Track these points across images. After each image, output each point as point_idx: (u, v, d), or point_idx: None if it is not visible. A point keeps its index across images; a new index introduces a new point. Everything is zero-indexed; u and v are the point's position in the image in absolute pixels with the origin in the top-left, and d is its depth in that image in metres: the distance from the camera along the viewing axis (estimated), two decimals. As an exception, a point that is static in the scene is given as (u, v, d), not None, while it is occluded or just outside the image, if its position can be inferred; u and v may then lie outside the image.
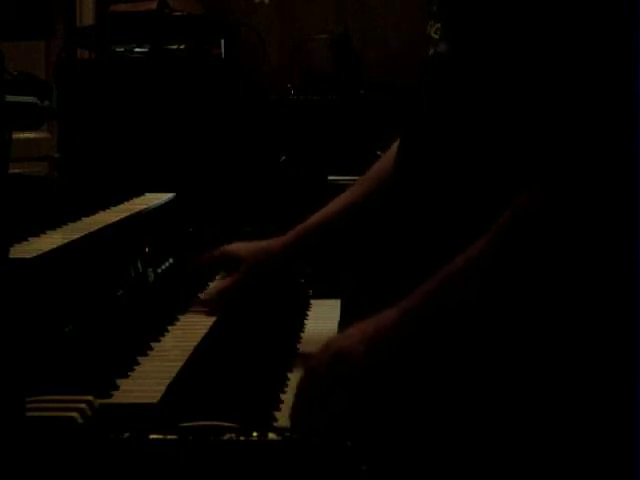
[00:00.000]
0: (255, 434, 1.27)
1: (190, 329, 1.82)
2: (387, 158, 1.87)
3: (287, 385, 1.63)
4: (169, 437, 1.26)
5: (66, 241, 1.74)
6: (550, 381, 1.44)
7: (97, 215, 2.06)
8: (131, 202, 2.28)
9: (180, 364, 1.60)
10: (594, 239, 1.40)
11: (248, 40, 4.03)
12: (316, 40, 4.42)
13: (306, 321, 2.08)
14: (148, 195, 2.40)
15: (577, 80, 1.38)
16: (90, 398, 1.36)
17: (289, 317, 2.10)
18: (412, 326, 1.41)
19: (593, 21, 1.38)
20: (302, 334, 1.98)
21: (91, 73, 3.39)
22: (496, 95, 1.46)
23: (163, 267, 2.18)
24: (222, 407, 1.43)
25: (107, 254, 1.91)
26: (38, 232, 1.78)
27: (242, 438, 1.26)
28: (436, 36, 1.61)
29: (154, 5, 3.48)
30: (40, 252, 1.61)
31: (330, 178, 3.59)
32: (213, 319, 1.90)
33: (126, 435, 1.25)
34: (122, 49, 3.42)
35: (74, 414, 1.30)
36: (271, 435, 1.27)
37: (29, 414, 1.28)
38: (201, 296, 2.05)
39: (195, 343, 1.73)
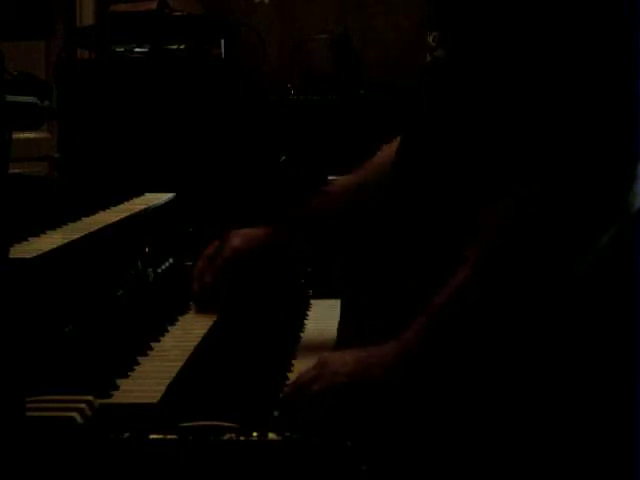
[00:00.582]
0: (255, 434, 1.27)
1: (190, 329, 1.82)
2: (384, 154, 1.87)
3: (287, 385, 1.63)
4: (169, 437, 1.26)
5: (66, 241, 1.74)
6: (549, 383, 1.44)
7: (97, 215, 2.05)
8: (131, 202, 2.28)
9: (180, 364, 1.60)
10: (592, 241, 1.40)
11: (248, 40, 4.03)
12: (316, 40, 4.42)
13: (306, 321, 2.08)
14: (148, 195, 2.40)
15: (571, 83, 1.38)
16: (90, 398, 1.36)
17: (289, 317, 2.10)
18: (429, 346, 1.43)
19: (587, 24, 1.38)
20: (302, 334, 1.98)
21: (91, 73, 3.39)
22: (492, 98, 1.46)
23: (163, 267, 2.18)
24: (222, 407, 1.43)
25: (107, 254, 1.91)
26: (38, 232, 1.78)
27: (242, 438, 1.26)
28: (433, 43, 1.61)
29: (154, 5, 3.48)
30: (40, 252, 1.61)
31: (330, 178, 3.58)
32: (213, 319, 1.90)
33: (126, 435, 1.25)
34: (122, 49, 3.42)
35: (74, 414, 1.30)
36: (271, 435, 1.27)
37: (29, 414, 1.27)
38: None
39: (195, 343, 1.73)
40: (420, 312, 1.45)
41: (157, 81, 3.30)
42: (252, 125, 3.43)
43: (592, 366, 1.44)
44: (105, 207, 2.14)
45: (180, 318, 1.89)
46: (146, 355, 1.64)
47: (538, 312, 1.42)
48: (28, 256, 1.57)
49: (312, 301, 2.22)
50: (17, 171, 2.55)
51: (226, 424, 1.30)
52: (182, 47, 3.46)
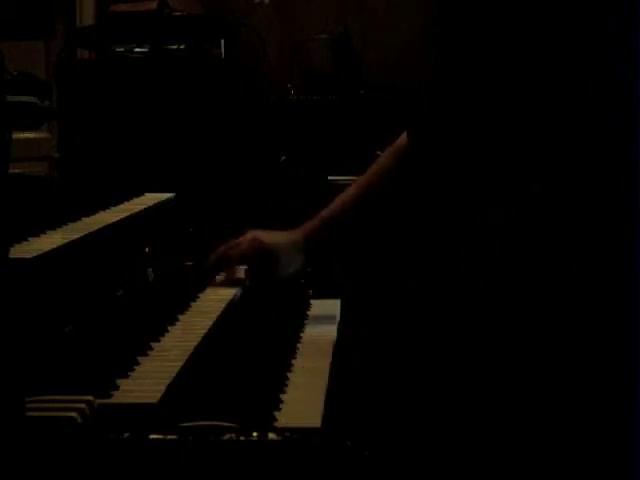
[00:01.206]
0: (255, 434, 1.27)
1: (190, 329, 1.82)
2: (385, 158, 1.87)
3: (287, 385, 1.63)
4: (169, 437, 1.26)
5: (66, 241, 1.74)
6: (549, 380, 1.44)
7: (97, 215, 2.05)
8: (131, 202, 2.28)
9: (180, 364, 1.60)
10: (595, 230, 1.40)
11: (248, 40, 4.03)
12: (316, 40, 4.42)
13: (306, 321, 2.08)
14: (148, 195, 2.39)
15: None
16: (90, 398, 1.36)
17: (289, 317, 2.10)
18: None
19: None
20: (302, 334, 1.98)
21: (91, 73, 3.39)
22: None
23: (163, 267, 2.17)
24: (222, 407, 1.43)
25: (107, 254, 1.91)
26: (38, 232, 1.78)
27: (242, 438, 1.26)
28: None
29: (154, 5, 3.48)
30: (40, 252, 1.61)
31: (330, 178, 3.58)
32: (213, 319, 1.90)
33: (126, 435, 1.25)
34: (122, 49, 3.41)
35: (74, 414, 1.30)
36: (271, 435, 1.27)
37: (29, 414, 1.27)
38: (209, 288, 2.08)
39: (195, 343, 1.73)
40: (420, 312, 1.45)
41: (157, 81, 3.30)
42: (252, 125, 3.43)
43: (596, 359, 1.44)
44: (105, 207, 2.13)
45: (180, 318, 1.89)
46: (146, 355, 1.64)
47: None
48: (28, 256, 1.57)
49: (312, 301, 2.22)
50: (17, 171, 2.55)
51: (226, 424, 1.30)
52: (182, 47, 3.45)
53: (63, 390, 1.39)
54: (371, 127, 3.75)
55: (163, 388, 1.47)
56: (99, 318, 1.74)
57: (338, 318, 2.10)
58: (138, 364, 1.59)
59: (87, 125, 3.26)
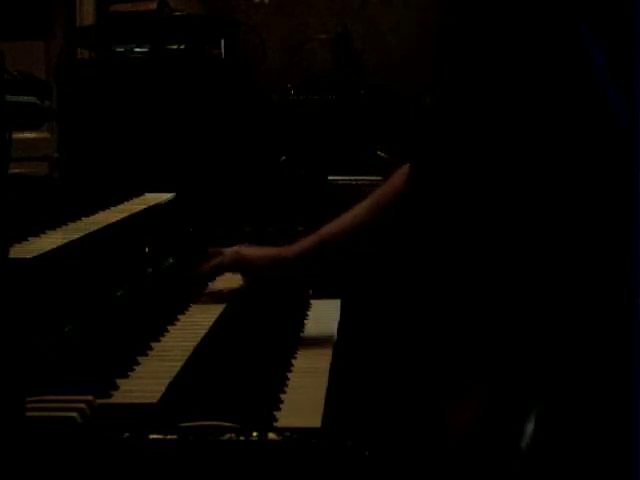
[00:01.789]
0: (255, 434, 1.27)
1: (190, 329, 1.82)
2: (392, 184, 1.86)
3: (287, 385, 1.63)
4: (169, 437, 1.26)
5: (66, 241, 1.74)
6: (549, 380, 1.44)
7: (97, 215, 2.05)
8: (131, 202, 2.28)
9: (180, 364, 1.60)
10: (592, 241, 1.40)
11: (248, 40, 4.03)
12: (316, 40, 4.42)
13: (306, 321, 2.08)
14: (148, 195, 2.39)
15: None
16: (90, 398, 1.36)
17: (289, 317, 2.10)
18: None
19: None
20: (302, 334, 1.98)
21: (91, 73, 3.39)
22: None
23: (163, 267, 2.17)
24: (222, 407, 1.43)
25: (107, 254, 1.91)
26: (38, 232, 1.78)
27: (242, 438, 1.26)
28: None
29: (154, 5, 3.47)
30: (40, 252, 1.61)
31: (330, 178, 3.58)
32: (213, 319, 1.90)
33: (126, 435, 1.25)
34: (122, 49, 3.41)
35: (74, 414, 1.30)
36: (271, 435, 1.27)
37: (29, 414, 1.27)
38: (209, 288, 2.08)
39: (195, 343, 1.73)
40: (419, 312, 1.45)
41: (157, 81, 3.29)
42: (252, 125, 3.42)
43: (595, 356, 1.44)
44: (105, 207, 2.13)
45: (180, 318, 1.89)
46: (146, 355, 1.64)
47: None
48: (28, 256, 1.57)
49: (312, 301, 2.22)
50: (17, 171, 2.55)
51: (226, 424, 1.30)
52: (182, 47, 3.45)
53: (63, 390, 1.39)
54: (371, 127, 3.75)
55: (163, 388, 1.47)
56: (99, 318, 1.74)
57: (338, 318, 2.10)
58: (138, 364, 1.59)
59: (87, 125, 3.26)
